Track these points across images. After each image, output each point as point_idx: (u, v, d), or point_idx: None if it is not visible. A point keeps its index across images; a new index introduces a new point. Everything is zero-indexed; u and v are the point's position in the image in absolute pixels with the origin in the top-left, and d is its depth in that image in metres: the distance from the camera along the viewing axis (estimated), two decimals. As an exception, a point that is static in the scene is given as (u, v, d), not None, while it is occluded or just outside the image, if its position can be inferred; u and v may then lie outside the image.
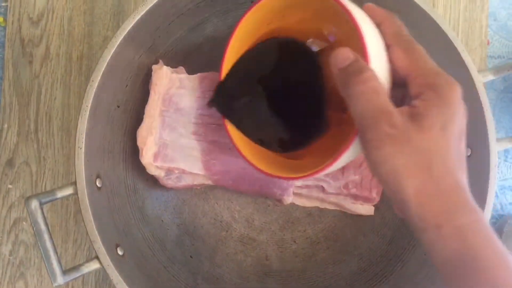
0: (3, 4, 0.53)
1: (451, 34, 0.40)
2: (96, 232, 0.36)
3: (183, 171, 0.43)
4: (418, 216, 0.26)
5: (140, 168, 0.43)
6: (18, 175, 0.51)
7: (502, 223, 0.51)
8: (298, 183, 0.45)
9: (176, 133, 0.43)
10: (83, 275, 0.37)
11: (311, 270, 0.48)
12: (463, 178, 0.28)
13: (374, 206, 0.47)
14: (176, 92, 0.43)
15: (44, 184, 0.51)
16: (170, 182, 0.44)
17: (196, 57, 0.48)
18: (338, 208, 0.48)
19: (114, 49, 0.38)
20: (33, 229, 0.36)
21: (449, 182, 0.27)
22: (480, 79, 0.40)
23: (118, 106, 0.42)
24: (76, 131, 0.37)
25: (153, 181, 0.45)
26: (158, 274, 0.44)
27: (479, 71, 0.40)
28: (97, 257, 0.36)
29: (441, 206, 0.26)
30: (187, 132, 0.43)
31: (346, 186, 0.45)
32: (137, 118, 0.44)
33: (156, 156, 0.42)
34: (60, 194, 0.37)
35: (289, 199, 0.45)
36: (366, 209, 0.47)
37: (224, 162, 0.43)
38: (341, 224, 0.49)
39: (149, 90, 0.43)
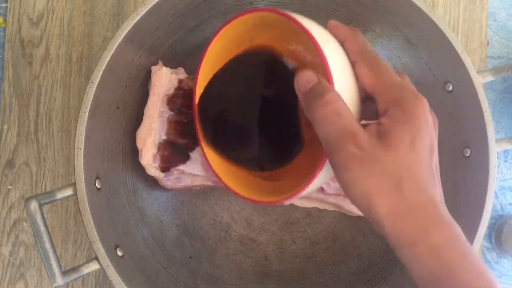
0: (3, 4, 0.53)
1: (450, 35, 0.40)
2: (96, 233, 0.36)
3: (183, 172, 0.43)
4: (392, 235, 0.26)
5: (139, 169, 0.43)
6: (18, 176, 0.51)
7: (502, 224, 0.51)
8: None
9: (175, 134, 0.43)
10: (82, 276, 0.37)
11: (311, 270, 0.48)
12: (436, 192, 0.27)
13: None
14: (175, 93, 0.43)
15: (44, 185, 0.51)
16: (169, 183, 0.44)
17: (195, 58, 0.48)
18: (337, 209, 0.48)
19: (113, 50, 0.38)
20: (33, 230, 0.36)
21: (421, 200, 0.26)
22: (480, 80, 0.40)
23: (118, 107, 0.42)
24: (76, 132, 0.37)
25: (153, 182, 0.46)
26: (157, 275, 0.44)
27: (479, 71, 0.40)
28: (96, 258, 0.36)
29: (414, 224, 0.26)
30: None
31: (345, 186, 0.45)
32: (137, 119, 0.44)
33: (155, 157, 0.42)
34: (59, 195, 0.37)
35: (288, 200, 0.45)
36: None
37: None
38: (340, 225, 0.49)
39: (149, 91, 0.43)
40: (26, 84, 0.52)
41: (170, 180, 0.44)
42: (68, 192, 0.37)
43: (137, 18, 0.38)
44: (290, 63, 0.38)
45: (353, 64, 0.30)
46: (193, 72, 0.45)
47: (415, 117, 0.27)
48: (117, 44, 0.38)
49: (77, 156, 0.37)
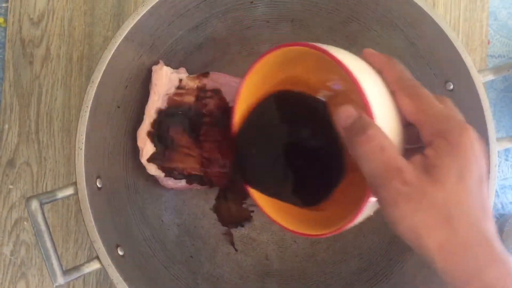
0: (4, 4, 0.53)
1: (451, 34, 0.40)
2: (97, 232, 0.36)
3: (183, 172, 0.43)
4: (444, 272, 0.25)
5: (140, 169, 0.43)
6: (19, 175, 0.51)
7: (503, 222, 0.51)
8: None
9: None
10: (83, 275, 0.37)
11: (311, 269, 0.48)
12: (489, 226, 0.26)
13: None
14: (176, 92, 0.43)
15: (45, 185, 0.51)
16: (170, 183, 0.44)
17: (196, 57, 0.48)
18: (338, 208, 0.48)
19: (114, 49, 0.38)
20: (34, 230, 0.36)
21: (473, 235, 0.25)
22: (480, 79, 0.40)
23: (118, 107, 0.42)
24: (76, 132, 0.37)
25: (153, 182, 0.46)
26: (158, 274, 0.44)
27: (479, 70, 0.40)
28: (97, 257, 0.36)
29: (467, 262, 0.25)
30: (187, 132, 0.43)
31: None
32: (137, 118, 0.44)
33: (156, 157, 0.42)
34: (60, 194, 0.37)
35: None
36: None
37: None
38: (341, 224, 0.49)
39: (149, 90, 0.43)
40: (26, 84, 0.52)
41: (170, 179, 0.44)
42: (69, 191, 0.37)
43: (138, 18, 0.38)
44: (325, 93, 0.38)
45: (392, 94, 0.29)
46: (193, 72, 0.45)
47: (461, 148, 0.26)
48: (118, 44, 0.38)
49: (78, 156, 0.37)
